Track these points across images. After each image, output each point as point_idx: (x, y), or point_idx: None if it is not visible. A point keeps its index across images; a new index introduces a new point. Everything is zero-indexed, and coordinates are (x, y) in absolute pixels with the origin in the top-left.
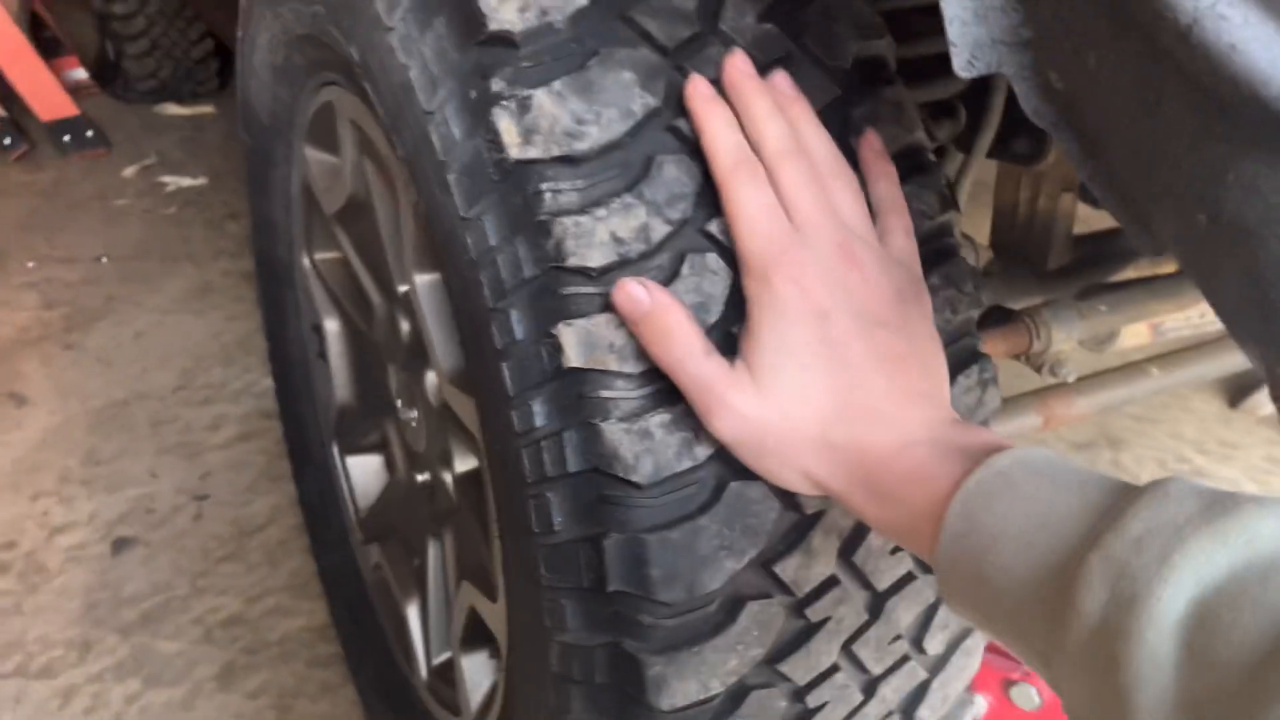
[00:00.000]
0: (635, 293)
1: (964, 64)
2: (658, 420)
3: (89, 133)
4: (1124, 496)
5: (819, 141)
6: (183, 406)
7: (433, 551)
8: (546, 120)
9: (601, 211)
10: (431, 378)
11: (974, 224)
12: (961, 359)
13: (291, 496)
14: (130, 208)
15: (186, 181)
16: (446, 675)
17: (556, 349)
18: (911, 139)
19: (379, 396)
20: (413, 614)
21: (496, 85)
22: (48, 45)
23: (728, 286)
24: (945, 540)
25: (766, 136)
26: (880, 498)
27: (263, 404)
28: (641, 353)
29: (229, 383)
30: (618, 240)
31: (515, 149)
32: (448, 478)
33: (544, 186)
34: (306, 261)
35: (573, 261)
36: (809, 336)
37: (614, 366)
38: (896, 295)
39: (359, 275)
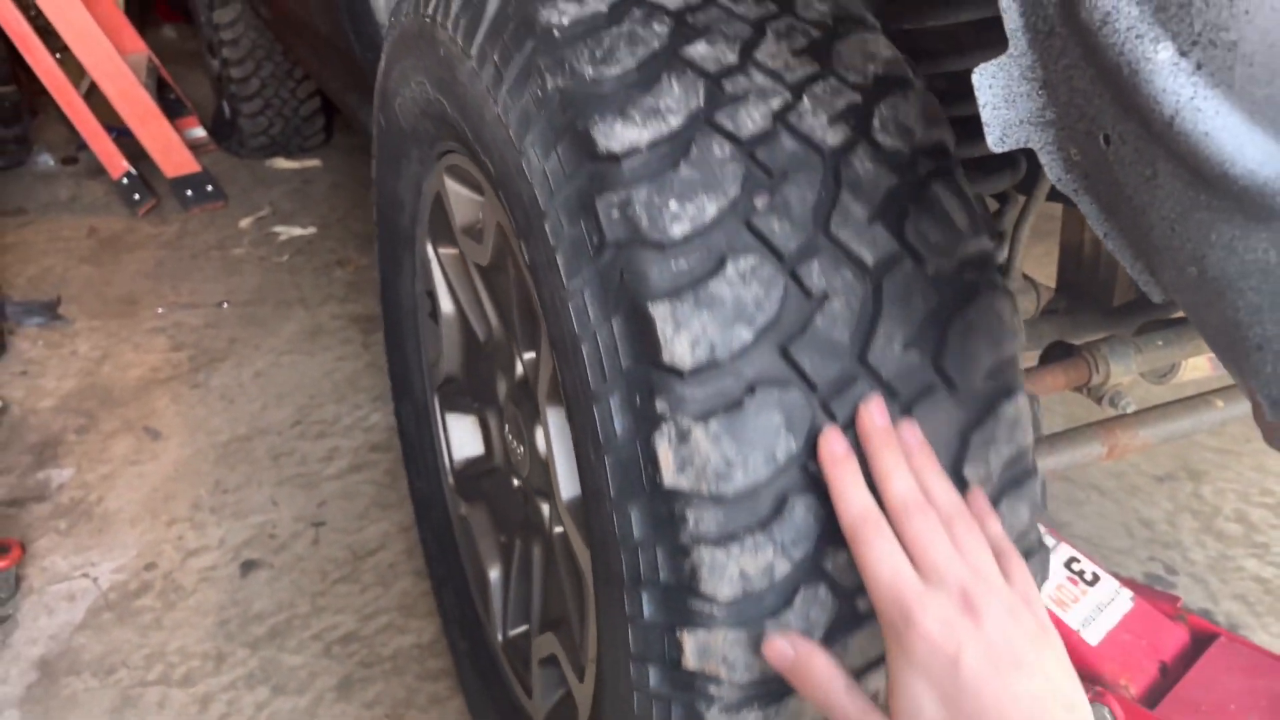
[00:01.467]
0: (781, 648)
1: (996, 141)
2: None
3: (209, 187)
4: None
5: (942, 490)
6: (299, 440)
7: (520, 548)
8: (700, 458)
9: (735, 548)
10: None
11: (1041, 266)
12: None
13: (400, 524)
14: (247, 256)
15: (297, 231)
16: (521, 648)
17: (678, 649)
18: None
19: (486, 389)
20: (494, 577)
21: (660, 407)
22: (171, 106)
23: (833, 614)
24: None
25: (893, 491)
26: None
27: (372, 438)
28: (744, 665)
29: (341, 418)
30: (745, 576)
31: (669, 476)
32: (545, 509)
33: (689, 514)
34: (429, 247)
35: (704, 589)
36: (941, 683)
37: (722, 674)
38: (1026, 636)
39: (482, 298)
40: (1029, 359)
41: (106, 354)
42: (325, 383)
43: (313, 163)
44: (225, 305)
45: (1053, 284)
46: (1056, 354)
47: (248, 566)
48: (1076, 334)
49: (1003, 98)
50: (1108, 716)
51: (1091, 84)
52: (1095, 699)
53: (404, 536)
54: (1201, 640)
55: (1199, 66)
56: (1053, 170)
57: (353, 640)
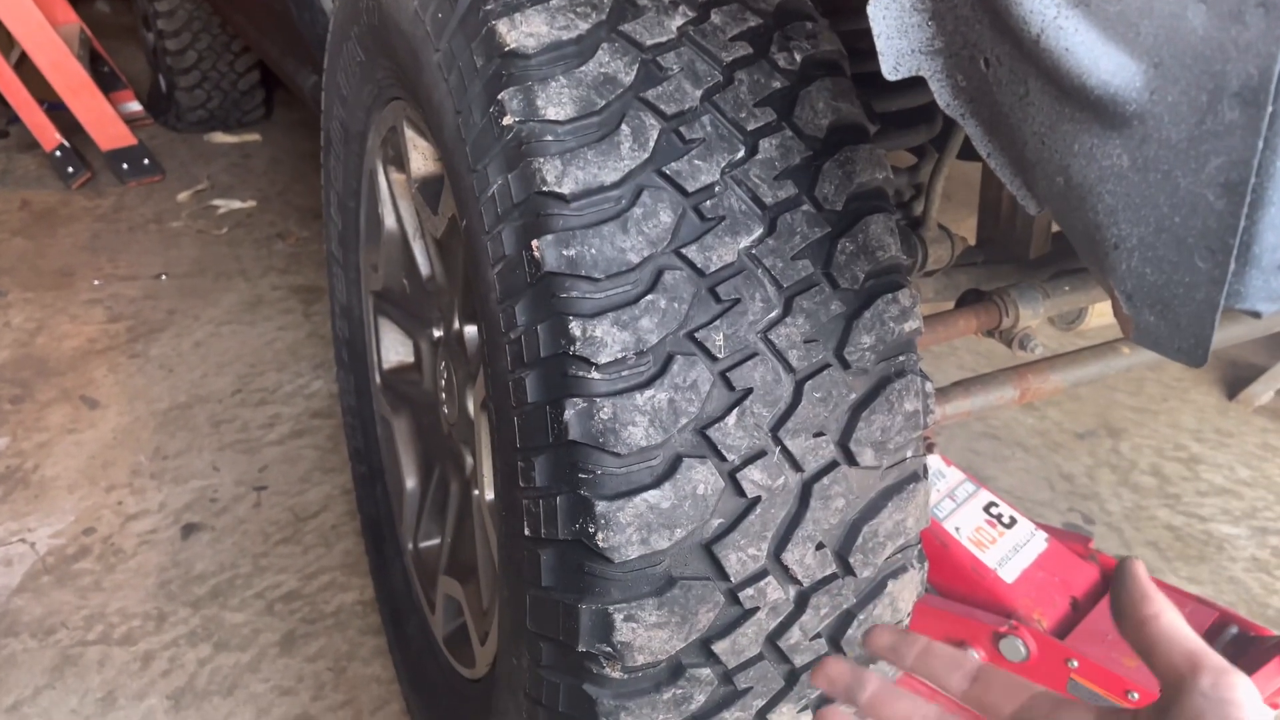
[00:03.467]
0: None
1: (890, 69)
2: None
3: (145, 160)
4: None
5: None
6: (240, 408)
7: (439, 473)
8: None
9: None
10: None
11: (960, 219)
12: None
13: (342, 487)
14: (185, 229)
15: (236, 204)
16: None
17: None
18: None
19: (423, 318)
20: (411, 486)
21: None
22: (106, 79)
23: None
24: None
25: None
26: None
27: (314, 404)
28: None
29: (282, 385)
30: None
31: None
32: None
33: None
34: (380, 165)
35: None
36: None
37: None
38: None
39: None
40: (944, 305)
41: (41, 325)
42: (266, 351)
43: (252, 137)
44: (164, 277)
45: (973, 239)
46: (970, 300)
47: (189, 530)
48: (991, 284)
49: (895, 28)
50: (1020, 647)
51: (972, 11)
52: (1010, 631)
53: (346, 499)
54: (1110, 577)
55: None
56: (941, 96)
57: (295, 598)
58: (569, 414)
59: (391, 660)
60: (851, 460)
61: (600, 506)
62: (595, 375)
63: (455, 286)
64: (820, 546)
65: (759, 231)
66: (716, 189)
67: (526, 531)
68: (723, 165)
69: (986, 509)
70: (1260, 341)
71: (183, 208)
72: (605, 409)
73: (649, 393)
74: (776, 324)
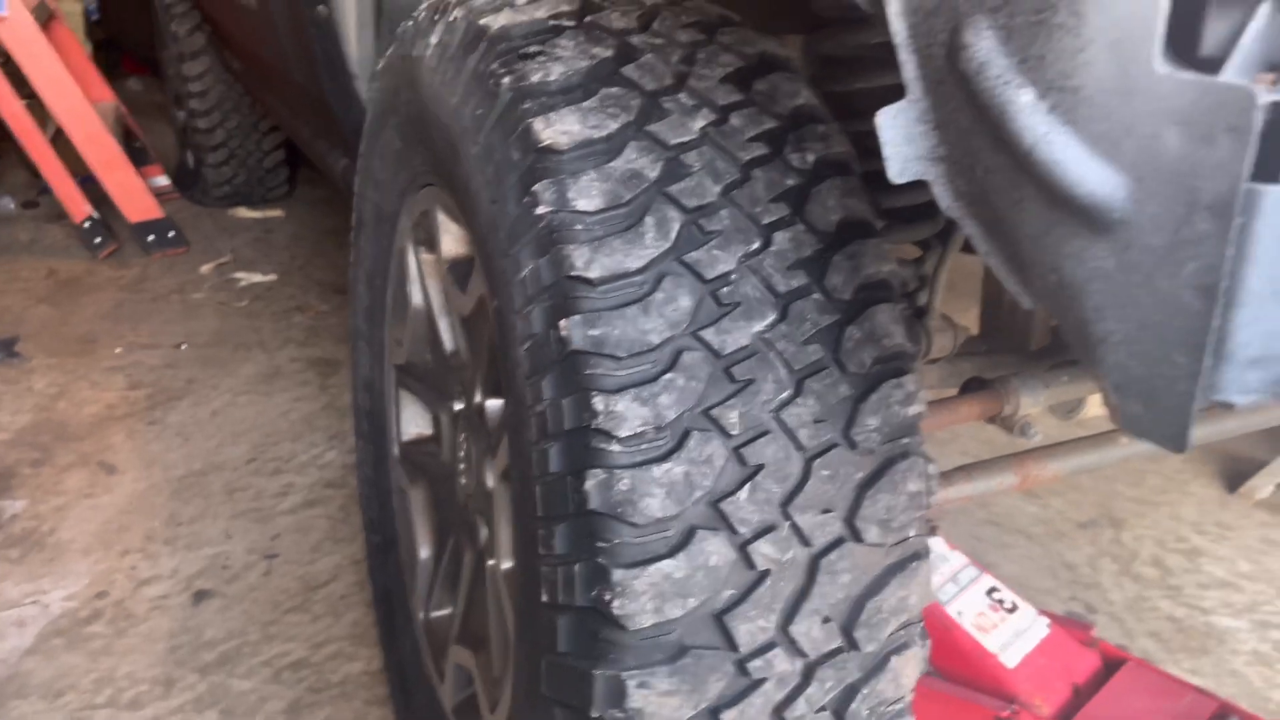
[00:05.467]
0: None
1: (896, 174)
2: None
3: (171, 233)
4: None
5: None
6: (254, 476)
7: (453, 544)
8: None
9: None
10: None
11: (965, 308)
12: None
13: (353, 557)
14: (207, 301)
15: (258, 277)
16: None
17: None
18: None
19: (444, 391)
20: (424, 556)
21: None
22: (137, 154)
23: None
24: None
25: None
26: None
27: (327, 475)
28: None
29: (296, 455)
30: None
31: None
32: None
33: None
34: (410, 246)
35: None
36: None
37: None
38: None
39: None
40: (948, 392)
41: (63, 390)
42: (282, 422)
43: (275, 213)
44: (184, 347)
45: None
46: (973, 388)
47: (200, 596)
48: (994, 373)
49: (902, 137)
50: None
51: (972, 123)
52: (1011, 716)
53: (356, 569)
54: (1112, 665)
55: (1052, 107)
56: (943, 199)
57: (302, 667)
58: (589, 484)
59: None
60: (857, 537)
61: (617, 574)
62: (615, 448)
63: (478, 362)
64: (827, 620)
65: (772, 317)
66: (733, 277)
67: (544, 598)
68: (739, 255)
69: (989, 593)
70: (1260, 435)
71: (205, 280)
72: (624, 480)
73: (666, 466)
74: (788, 404)
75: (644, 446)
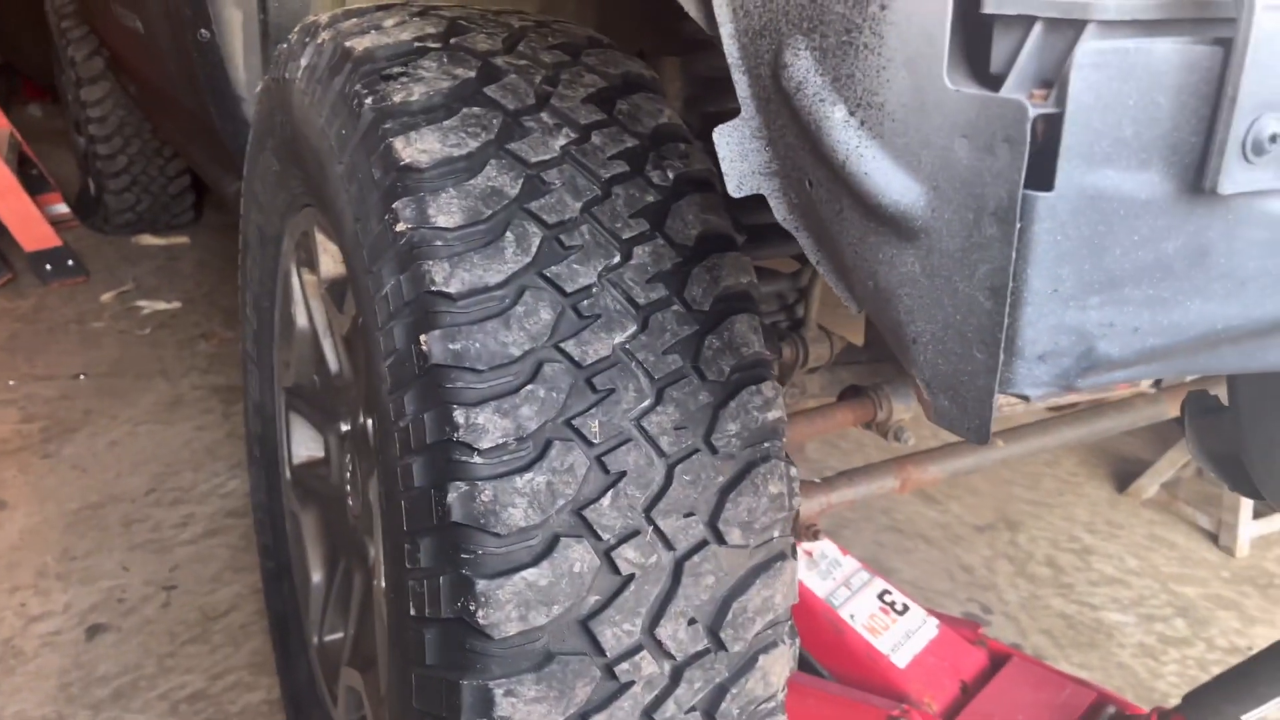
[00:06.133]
0: None
1: (734, 188)
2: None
3: (69, 262)
4: None
5: None
6: (153, 507)
7: (344, 567)
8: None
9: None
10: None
11: (850, 321)
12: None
13: (254, 586)
14: (107, 330)
15: (161, 305)
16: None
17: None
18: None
19: (331, 413)
20: (316, 580)
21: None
22: (34, 182)
23: None
24: None
25: None
26: None
27: (229, 504)
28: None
29: (198, 485)
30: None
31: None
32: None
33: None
34: (292, 267)
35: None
36: None
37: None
38: None
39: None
40: (828, 399)
41: None
42: (184, 451)
43: (180, 239)
44: (82, 377)
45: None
46: (849, 395)
47: (94, 630)
48: (872, 380)
49: (738, 153)
50: None
51: (797, 139)
52: (901, 715)
53: (257, 597)
54: (998, 661)
55: (861, 123)
56: (779, 211)
57: (200, 699)
58: (452, 496)
59: None
60: (721, 539)
61: (481, 585)
62: (477, 460)
63: (360, 381)
64: (693, 622)
65: (632, 329)
66: (593, 290)
67: (412, 611)
68: (599, 269)
69: (880, 596)
70: (1147, 436)
71: (106, 308)
72: (486, 492)
73: (528, 476)
74: (649, 412)
75: (506, 458)
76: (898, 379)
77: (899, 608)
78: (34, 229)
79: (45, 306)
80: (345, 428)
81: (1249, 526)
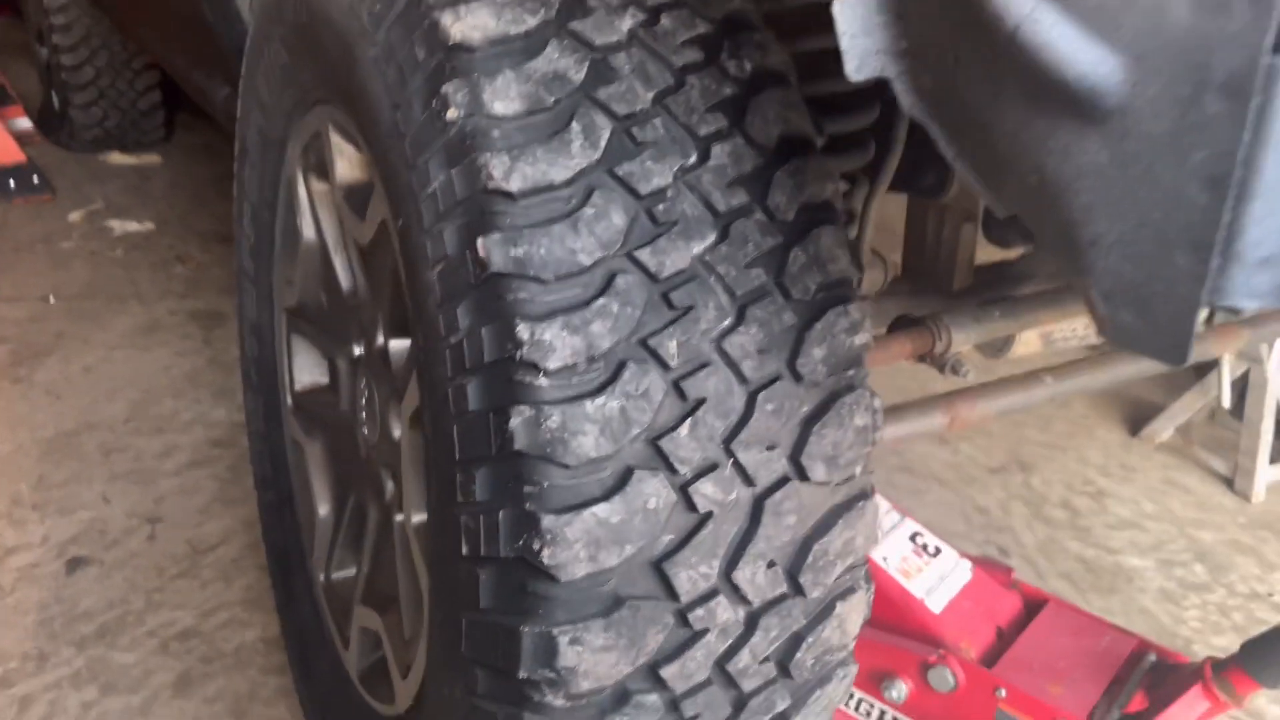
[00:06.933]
0: None
1: (854, 69)
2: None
3: (34, 178)
4: None
5: None
6: (133, 436)
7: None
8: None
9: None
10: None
11: (890, 246)
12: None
13: (244, 519)
14: (76, 250)
15: (133, 226)
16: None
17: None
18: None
19: (341, 335)
20: (324, 514)
21: None
22: None
23: None
24: None
25: None
26: None
27: (214, 434)
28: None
29: (179, 414)
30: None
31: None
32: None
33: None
34: (299, 175)
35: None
36: None
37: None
38: None
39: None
40: (876, 330)
41: None
42: (162, 378)
43: (151, 159)
44: (51, 299)
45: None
46: (902, 325)
47: (74, 564)
48: (920, 309)
49: (860, 27)
50: (949, 677)
51: (940, 9)
52: (938, 661)
53: (247, 531)
54: (1033, 606)
55: None
56: (905, 97)
57: (191, 636)
58: (515, 422)
59: (298, 700)
60: (803, 475)
61: (547, 521)
62: (543, 381)
63: (381, 299)
64: (772, 565)
65: (712, 238)
66: (669, 193)
67: (464, 550)
68: (675, 169)
69: (912, 538)
70: (1160, 380)
71: (74, 228)
72: (553, 417)
73: (599, 400)
74: (729, 333)
75: (575, 380)
76: (953, 308)
77: (931, 550)
78: None
79: (8, 224)
80: (358, 351)
81: (1266, 472)
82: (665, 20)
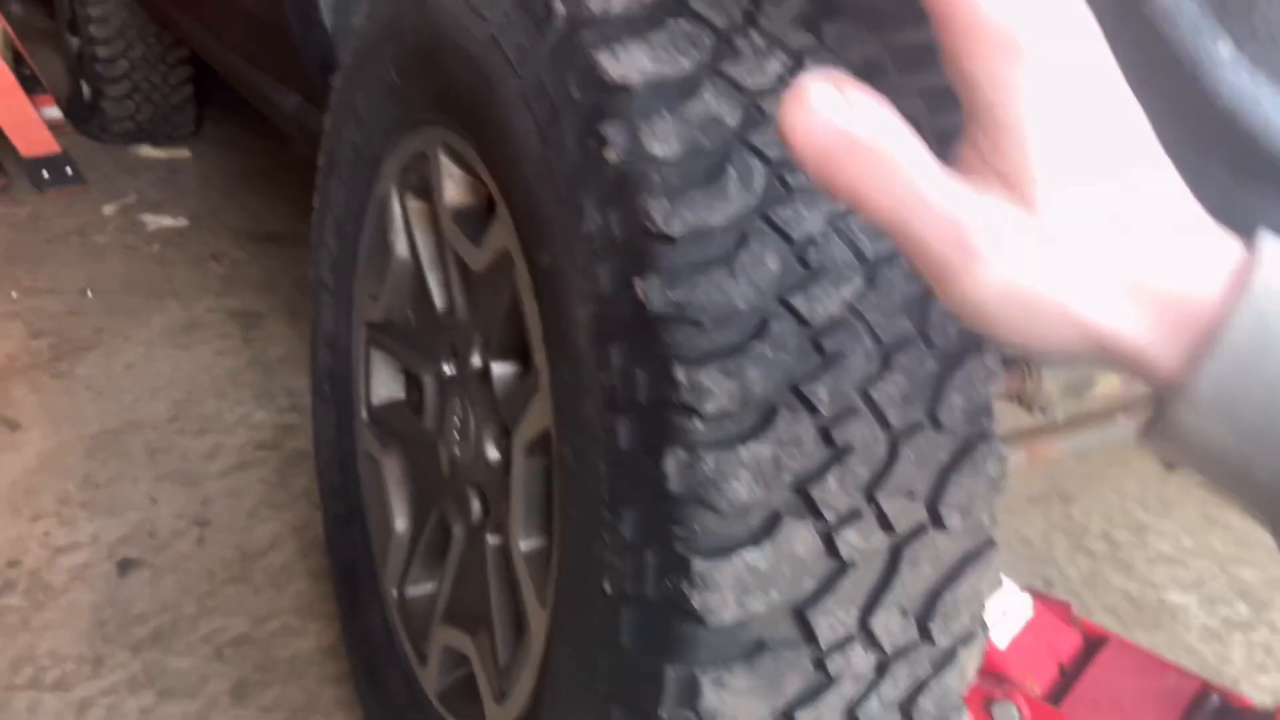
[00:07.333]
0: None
1: None
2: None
3: (68, 169)
4: None
5: None
6: (178, 435)
7: (437, 518)
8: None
9: None
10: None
11: None
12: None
13: (292, 524)
14: (111, 244)
15: (167, 221)
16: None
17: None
18: None
19: (431, 351)
20: (400, 529)
21: None
22: (26, 83)
23: None
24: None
25: None
26: None
27: (258, 435)
28: None
29: (223, 414)
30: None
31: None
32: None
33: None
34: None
35: None
36: None
37: None
38: None
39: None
40: None
41: None
42: (203, 378)
43: (182, 153)
44: (89, 293)
45: None
46: None
47: (125, 565)
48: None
49: None
50: (1014, 713)
51: (1144, 81)
52: (1005, 696)
53: (297, 537)
54: (1093, 643)
55: (1254, 60)
56: None
57: (245, 643)
58: (669, 464)
59: (364, 713)
60: (940, 523)
61: (698, 565)
62: (699, 425)
63: (481, 321)
64: (905, 613)
65: (860, 284)
66: (820, 238)
67: (607, 588)
68: (825, 214)
69: None
70: None
71: (108, 221)
72: (708, 461)
73: (753, 445)
74: (875, 380)
75: (729, 424)
76: None
77: None
78: (32, 133)
79: (42, 215)
80: (450, 370)
81: None
82: (810, 63)
